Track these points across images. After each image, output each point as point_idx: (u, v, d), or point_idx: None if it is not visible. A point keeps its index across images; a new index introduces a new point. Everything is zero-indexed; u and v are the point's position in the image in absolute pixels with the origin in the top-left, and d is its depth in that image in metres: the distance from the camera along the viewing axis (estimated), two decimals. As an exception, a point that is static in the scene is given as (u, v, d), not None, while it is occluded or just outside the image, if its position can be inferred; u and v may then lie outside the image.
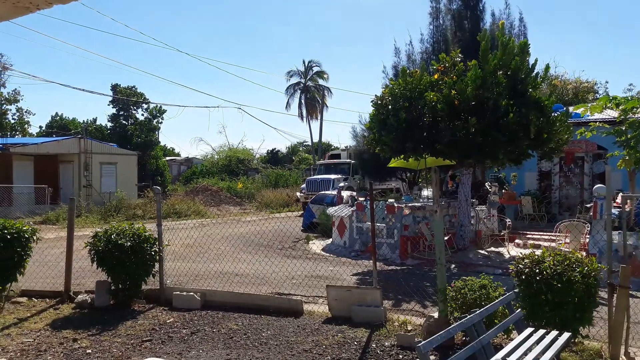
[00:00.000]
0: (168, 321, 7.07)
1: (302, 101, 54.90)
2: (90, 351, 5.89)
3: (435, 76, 13.16)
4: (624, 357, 5.73)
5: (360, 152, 28.31)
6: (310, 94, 54.87)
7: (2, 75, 40.21)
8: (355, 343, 6.21)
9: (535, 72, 12.91)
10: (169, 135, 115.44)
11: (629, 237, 9.36)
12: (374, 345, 6.12)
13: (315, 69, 55.54)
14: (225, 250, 11.29)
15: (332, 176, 25.86)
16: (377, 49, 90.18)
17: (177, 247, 11.53)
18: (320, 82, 55.42)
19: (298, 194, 26.54)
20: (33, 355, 5.76)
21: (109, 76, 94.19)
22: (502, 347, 4.30)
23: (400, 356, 5.76)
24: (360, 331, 6.62)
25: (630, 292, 5.93)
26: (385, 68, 29.33)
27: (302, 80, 55.18)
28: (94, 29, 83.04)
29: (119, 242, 7.51)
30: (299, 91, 55.18)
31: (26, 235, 7.59)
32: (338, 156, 31.07)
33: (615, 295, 5.74)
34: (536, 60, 13.00)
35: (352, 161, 27.43)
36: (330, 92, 55.92)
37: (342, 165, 28.06)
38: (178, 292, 7.89)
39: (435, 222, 6.48)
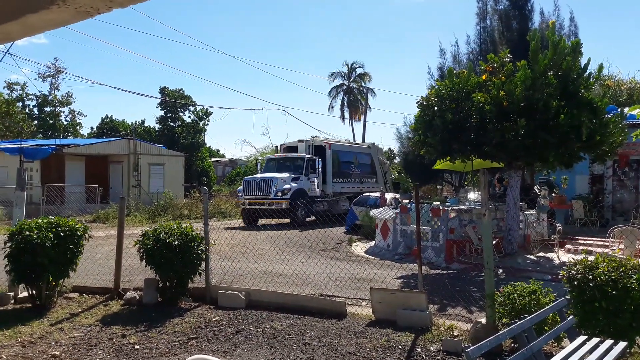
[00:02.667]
0: (213, 319, 7.19)
1: (345, 103, 54.90)
2: (138, 347, 6.05)
3: (484, 77, 12.89)
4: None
5: (405, 153, 27.97)
6: (353, 95, 54.81)
7: (56, 79, 42.05)
8: (400, 347, 6.14)
9: (587, 73, 12.46)
10: (214, 137, 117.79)
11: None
12: (419, 350, 6.03)
13: (359, 71, 55.49)
14: (268, 251, 11.39)
15: (276, 175, 21.08)
16: (421, 50, 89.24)
17: (222, 246, 11.73)
18: (363, 83, 55.27)
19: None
20: (84, 349, 5.97)
21: (157, 79, 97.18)
22: (552, 355, 4.16)
23: (446, 362, 5.66)
24: (404, 335, 6.54)
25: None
26: (431, 69, 29.03)
27: (345, 82, 55.20)
28: (144, 33, 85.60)
29: (167, 240, 7.69)
30: (342, 93, 55.22)
31: (78, 233, 7.84)
32: (295, 149, 24.00)
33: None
34: (589, 60, 12.55)
35: (310, 156, 22.38)
36: (374, 93, 55.70)
37: (296, 162, 22.13)
38: (223, 291, 8.01)
39: (483, 226, 6.33)
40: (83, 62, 76.35)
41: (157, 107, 44.60)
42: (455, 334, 6.54)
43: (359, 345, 6.18)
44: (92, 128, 49.10)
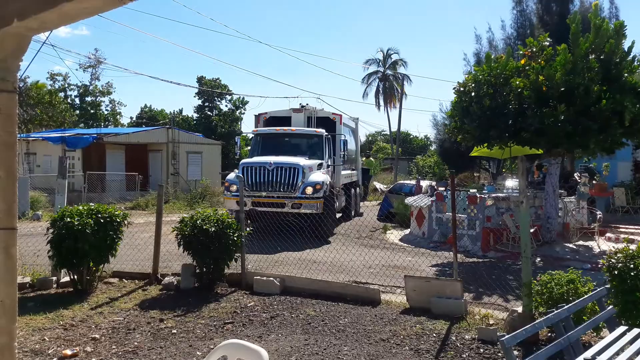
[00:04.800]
0: (249, 305, 7.32)
1: (380, 90, 54.41)
2: (175, 331, 6.22)
3: (522, 61, 12.55)
4: None
5: (441, 140, 27.53)
6: (389, 82, 54.26)
7: (96, 69, 43.13)
8: (434, 335, 6.13)
9: (631, 56, 11.99)
10: (251, 126, 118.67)
11: None
12: (454, 338, 6.01)
13: (394, 57, 54.84)
14: (303, 238, 11.47)
15: (300, 160, 13.88)
16: (456, 36, 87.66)
17: (257, 232, 11.89)
18: (400, 70, 54.65)
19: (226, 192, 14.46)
20: (123, 333, 6.17)
21: (194, 68, 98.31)
22: (591, 346, 4.08)
23: (482, 350, 5.62)
24: (439, 323, 6.52)
25: None
26: (466, 55, 28.58)
27: (381, 69, 54.67)
28: (182, 22, 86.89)
29: (204, 227, 7.83)
30: (377, 80, 54.74)
31: (118, 220, 8.04)
32: (285, 122, 16.25)
33: None
34: (633, 43, 12.07)
35: (326, 134, 15.37)
36: (410, 79, 54.99)
37: (311, 139, 15.29)
38: (258, 277, 8.14)
39: (521, 214, 6.22)
40: (122, 52, 78.07)
41: (194, 97, 45.27)
42: (490, 322, 6.49)
43: (393, 333, 6.20)
44: (131, 117, 50.27)
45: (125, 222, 8.23)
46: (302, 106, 16.70)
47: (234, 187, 13.39)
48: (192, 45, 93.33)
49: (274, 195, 13.38)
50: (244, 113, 46.09)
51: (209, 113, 44.87)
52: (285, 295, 7.79)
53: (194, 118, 45.72)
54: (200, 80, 43.99)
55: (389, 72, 54.75)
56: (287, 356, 5.43)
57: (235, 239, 8.04)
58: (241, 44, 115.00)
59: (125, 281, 8.70)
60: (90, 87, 44.78)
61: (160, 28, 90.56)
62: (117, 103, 47.29)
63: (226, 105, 45.79)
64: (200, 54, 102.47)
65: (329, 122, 16.26)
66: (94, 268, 8.01)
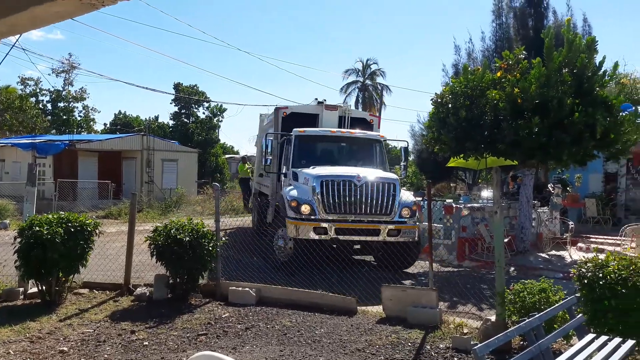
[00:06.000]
0: (223, 316, 7.23)
1: (360, 100, 54.71)
2: (147, 343, 6.10)
3: (498, 74, 12.80)
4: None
5: (419, 151, 27.79)
6: (369, 92, 54.63)
7: (70, 74, 42.47)
8: (409, 344, 6.14)
9: (602, 70, 12.32)
10: (228, 134, 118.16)
11: None
12: (429, 347, 6.03)
13: (373, 67, 55.26)
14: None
15: (388, 175, 10.92)
16: (436, 48, 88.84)
17: (234, 243, 11.77)
18: (379, 80, 55.08)
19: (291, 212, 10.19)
20: (93, 345, 6.02)
21: (171, 75, 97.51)
22: (561, 353, 4.13)
23: (455, 359, 5.65)
24: (414, 332, 6.54)
25: None
26: (445, 66, 28.95)
27: (360, 79, 55.01)
28: (159, 29, 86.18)
29: (178, 237, 7.72)
30: (356, 89, 55.06)
31: (89, 229, 7.87)
32: (314, 119, 12.98)
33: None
34: (604, 58, 12.41)
35: (382, 139, 12.71)
36: (389, 90, 55.45)
37: (369, 147, 12.29)
38: (234, 288, 8.05)
39: (495, 224, 6.29)
40: (97, 57, 77.19)
41: (171, 103, 44.97)
42: (465, 331, 6.53)
43: (369, 342, 6.19)
44: (105, 124, 49.60)
45: (97, 231, 8.06)
46: (335, 104, 13.45)
47: (307, 208, 9.76)
48: (169, 52, 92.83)
49: (364, 219, 9.95)
50: (221, 121, 45.90)
51: (185, 120, 44.54)
52: (261, 305, 7.71)
53: (170, 125, 45.31)
54: (177, 86, 43.67)
55: (368, 82, 55.13)
56: (262, 367, 5.36)
57: (210, 249, 7.95)
58: (220, 51, 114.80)
59: (96, 292, 8.50)
60: (63, 93, 44.05)
61: (137, 34, 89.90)
62: (91, 109, 46.62)
63: (203, 113, 45.55)
64: (177, 60, 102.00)
65: (364, 125, 13.07)
66: (64, 278, 7.81)
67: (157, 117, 47.59)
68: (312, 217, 9.76)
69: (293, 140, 11.54)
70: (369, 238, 10.05)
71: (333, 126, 12.60)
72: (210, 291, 8.25)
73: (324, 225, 9.72)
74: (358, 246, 10.74)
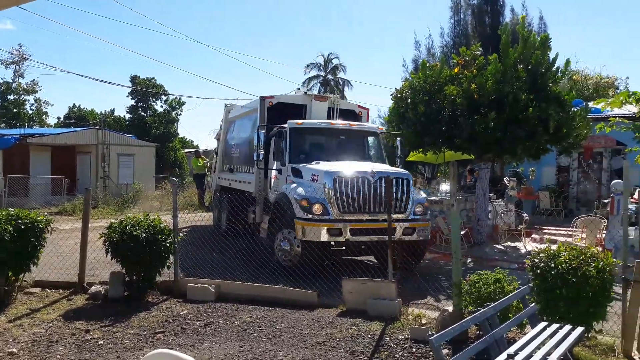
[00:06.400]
0: (182, 313, 7.11)
1: (321, 94, 54.67)
2: (102, 342, 5.94)
3: (456, 70, 13.03)
4: (636, 352, 5.66)
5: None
6: (330, 87, 54.69)
7: (20, 66, 40.79)
8: (369, 336, 6.20)
9: (555, 67, 12.72)
10: (187, 127, 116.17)
11: (645, 233, 9.18)
12: (388, 339, 6.10)
13: (335, 62, 55.35)
14: (241, 243, 11.28)
15: (399, 170, 10.46)
16: (397, 43, 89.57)
17: (193, 239, 11.59)
18: (340, 75, 55.21)
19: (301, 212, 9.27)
20: (44, 345, 5.81)
21: (127, 67, 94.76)
22: (515, 341, 4.24)
23: (414, 349, 5.73)
24: (374, 324, 6.60)
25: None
26: (405, 62, 29.34)
27: (322, 74, 55.01)
28: (113, 19, 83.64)
29: (134, 233, 7.53)
30: (318, 84, 55.02)
31: (40, 226, 7.62)
32: (300, 110, 12.15)
33: (629, 290, 5.67)
34: (557, 55, 12.80)
35: (380, 131, 12.20)
36: (351, 85, 55.66)
37: (364, 140, 11.84)
38: (192, 284, 7.93)
39: (452, 216, 6.40)
40: (50, 49, 74.32)
41: (127, 96, 43.79)
42: (423, 322, 6.63)
43: (329, 336, 6.21)
44: (58, 118, 47.86)
45: (49, 228, 7.82)
46: (325, 95, 12.70)
47: (319, 208, 8.95)
48: (125, 44, 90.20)
49: (379, 218, 9.19)
50: (180, 114, 45.10)
51: (142, 114, 43.55)
52: (221, 302, 7.63)
53: (127, 119, 44.21)
54: (133, 79, 42.61)
55: (330, 76, 55.19)
56: (221, 364, 5.30)
57: (168, 245, 7.79)
58: (178, 44, 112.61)
59: (49, 291, 8.22)
60: (14, 85, 42.28)
61: (92, 25, 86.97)
62: (43, 102, 44.92)
63: (161, 106, 44.65)
64: (134, 52, 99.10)
65: (353, 117, 12.34)
66: (13, 278, 7.55)
67: (113, 111, 46.34)
68: (325, 217, 8.96)
69: (288, 133, 10.60)
70: (385, 238, 8.65)
71: (322, 118, 11.89)
72: (168, 288, 8.10)
73: (338, 225, 8.95)
74: (363, 246, 9.79)
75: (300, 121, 11.07)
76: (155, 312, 7.16)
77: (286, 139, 10.61)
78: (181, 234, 8.56)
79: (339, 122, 11.60)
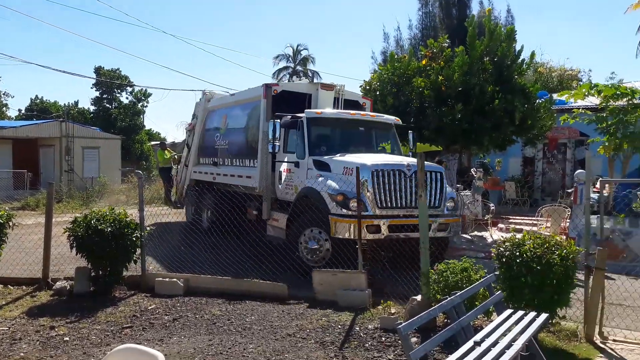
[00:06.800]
0: (149, 308, 7.01)
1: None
2: (68, 338, 5.80)
3: (424, 62, 13.17)
4: (598, 337, 5.86)
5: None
6: (299, 78, 54.47)
7: (-21, 57, 39.33)
8: (339, 326, 6.23)
9: (521, 59, 12.97)
10: (154, 119, 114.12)
11: (606, 221, 9.50)
12: (358, 329, 6.14)
13: (304, 53, 55.15)
14: (210, 237, 11.17)
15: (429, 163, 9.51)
16: (365, 34, 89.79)
17: (160, 232, 11.42)
18: (309, 66, 55.05)
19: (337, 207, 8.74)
20: (7, 344, 5.64)
21: (92, 58, 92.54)
22: (482, 329, 4.32)
23: (383, 338, 5.79)
24: (344, 315, 6.64)
25: (606, 274, 6.05)
26: (374, 54, 29.43)
27: (291, 65, 54.73)
28: (77, 9, 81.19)
29: (99, 227, 7.38)
30: (287, 75, 54.75)
31: (1, 221, 7.41)
32: (302, 99, 11.19)
33: (591, 277, 5.85)
34: (522, 47, 13.07)
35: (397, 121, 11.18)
36: (320, 77, 55.57)
37: (385, 131, 11.01)
38: (160, 279, 7.82)
39: (420, 207, 6.47)
40: (10, 39, 71.83)
41: (91, 88, 42.79)
42: (392, 311, 6.70)
43: (299, 327, 6.22)
44: (20, 110, 46.47)
45: (10, 223, 7.60)
46: (329, 83, 11.78)
47: (352, 203, 8.33)
48: (90, 34, 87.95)
49: (414, 214, 8.25)
50: (146, 106, 44.32)
51: (107, 106, 42.61)
52: (190, 296, 7.54)
53: (91, 111, 43.19)
54: (98, 70, 41.60)
55: (299, 68, 54.96)
56: (190, 358, 5.25)
57: (134, 239, 7.66)
58: (144, 34, 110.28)
59: (11, 287, 7.98)
60: (-28, 76, 40.78)
61: (54, 14, 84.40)
62: (3, 94, 43.55)
63: (127, 98, 43.78)
64: (98, 42, 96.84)
65: (357, 108, 11.65)
66: (-26, 275, 7.27)
67: (76, 103, 45.23)
68: (363, 213, 8.25)
69: (306, 123, 9.80)
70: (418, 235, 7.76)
71: (328, 108, 11.14)
72: (136, 283, 7.97)
73: (377, 222, 8.39)
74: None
75: (319, 110, 10.41)
76: (122, 307, 7.04)
77: (303, 129, 9.79)
78: (148, 228, 8.40)
79: (359, 113, 10.90)
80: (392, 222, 8.56)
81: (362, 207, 8.20)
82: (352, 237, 8.15)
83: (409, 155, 11.30)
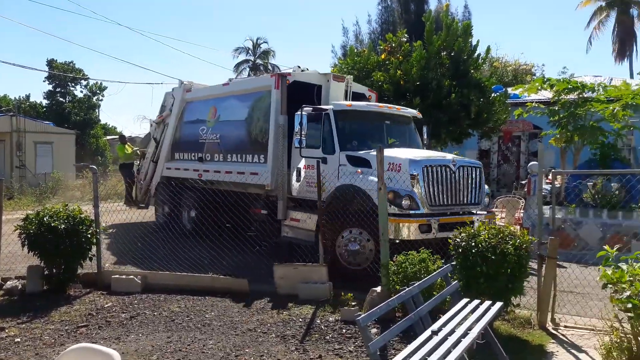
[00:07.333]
0: (106, 306, 6.85)
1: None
2: (19, 340, 5.61)
3: (383, 56, 13.26)
4: (550, 323, 6.08)
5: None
6: (260, 72, 54.05)
7: None
8: (301, 320, 6.25)
9: (477, 54, 13.23)
10: (110, 113, 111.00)
11: (558, 212, 9.82)
12: (319, 321, 6.18)
13: (263, 47, 54.74)
14: (170, 233, 10.96)
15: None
16: (325, 28, 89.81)
17: (117, 229, 11.15)
18: (268, 60, 54.65)
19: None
20: (-45, 346, 5.42)
21: (44, 51, 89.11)
22: (439, 318, 4.41)
23: (344, 330, 5.84)
24: (305, 308, 6.67)
25: (558, 262, 6.28)
26: (334, 48, 29.46)
27: (251, 58, 54.24)
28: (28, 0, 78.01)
29: (53, 224, 7.15)
30: (247, 69, 54.21)
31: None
32: (310, 90, 10.38)
33: (544, 265, 6.05)
34: (478, 42, 13.35)
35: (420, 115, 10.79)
36: (279, 70, 55.25)
37: (408, 124, 10.51)
38: (117, 276, 7.65)
39: (379, 200, 6.54)
40: (-47, 30, 68.36)
41: (44, 81, 41.14)
42: (353, 303, 6.75)
43: (260, 321, 6.20)
44: (-34, 104, 44.36)
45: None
46: (343, 75, 11.29)
47: (409, 201, 7.91)
48: (42, 26, 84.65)
49: (459, 211, 8.52)
50: (102, 100, 43.03)
51: (61, 99, 41.15)
52: (148, 293, 7.41)
53: (44, 105, 41.61)
54: (50, 63, 40.07)
55: (259, 61, 54.51)
56: (148, 356, 5.16)
57: (89, 236, 7.45)
58: (98, 26, 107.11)
59: (-42, 289, 7.64)
60: None
61: (3, 4, 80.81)
62: (-51, 87, 41.50)
63: (81, 91, 42.34)
64: (50, 34, 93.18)
65: (363, 101, 11.05)
66: None
67: (28, 96, 43.36)
68: (416, 211, 7.90)
69: (333, 116, 9.14)
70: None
71: (340, 99, 10.52)
72: (92, 281, 7.77)
73: (429, 221, 7.90)
74: None
75: (349, 102, 9.93)
76: (77, 305, 6.86)
77: (331, 123, 9.14)
78: (103, 223, 8.19)
79: (387, 106, 10.38)
80: (442, 221, 8.02)
81: (414, 205, 7.88)
82: (410, 237, 7.67)
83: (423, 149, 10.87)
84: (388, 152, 8.34)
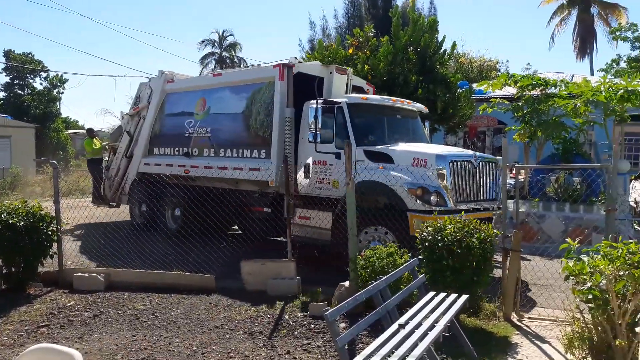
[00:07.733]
0: (68, 304, 6.66)
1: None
2: (-24, 341, 5.41)
3: (350, 51, 13.27)
4: (514, 315, 6.21)
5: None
6: (226, 65, 53.43)
7: None
8: (269, 316, 6.22)
9: (443, 50, 13.38)
10: (71, 107, 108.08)
11: (522, 206, 10.02)
12: (287, 317, 6.15)
13: (230, 39, 54.16)
14: (134, 230, 10.73)
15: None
16: (292, 21, 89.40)
17: (79, 226, 10.87)
18: (234, 52, 54.10)
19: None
20: None
21: (1, 41, 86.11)
22: (407, 311, 4.44)
23: (312, 325, 5.84)
24: (274, 304, 6.63)
25: (522, 255, 6.41)
26: (302, 41, 29.32)
27: (217, 50, 53.59)
28: (-19, -11, 74.98)
29: (11, 221, 6.91)
30: (213, 62, 53.55)
31: None
32: (312, 82, 9.75)
33: (508, 258, 6.17)
34: (444, 38, 13.50)
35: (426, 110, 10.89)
36: (246, 63, 54.79)
37: (415, 119, 10.20)
38: (79, 274, 7.44)
39: (347, 195, 6.54)
40: None
41: (1, 73, 39.70)
42: (322, 298, 6.75)
43: (227, 318, 6.14)
44: None
45: None
46: (345, 68, 10.77)
47: (438, 197, 7.67)
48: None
49: (479, 207, 8.34)
50: (63, 92, 41.82)
51: (19, 92, 39.74)
52: (111, 291, 7.24)
53: (1, 97, 40.17)
54: (7, 54, 38.66)
55: (225, 54, 53.90)
56: (112, 355, 5.04)
57: (50, 233, 7.23)
58: (58, 16, 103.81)
59: None
60: None
61: (-45, -8, 77.44)
62: None
63: (41, 84, 40.98)
64: (7, 24, 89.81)
65: (359, 90, 10.95)
66: None
67: (-17, 89, 41.85)
68: (444, 207, 7.61)
69: (347, 110, 8.76)
70: None
71: (342, 92, 10.15)
72: (53, 279, 7.55)
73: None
74: None
75: (364, 96, 9.70)
76: (38, 304, 6.65)
77: (345, 117, 8.78)
78: (64, 220, 7.95)
79: (399, 100, 10.07)
80: (467, 217, 7.76)
81: (442, 201, 7.64)
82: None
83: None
84: (412, 147, 8.45)
